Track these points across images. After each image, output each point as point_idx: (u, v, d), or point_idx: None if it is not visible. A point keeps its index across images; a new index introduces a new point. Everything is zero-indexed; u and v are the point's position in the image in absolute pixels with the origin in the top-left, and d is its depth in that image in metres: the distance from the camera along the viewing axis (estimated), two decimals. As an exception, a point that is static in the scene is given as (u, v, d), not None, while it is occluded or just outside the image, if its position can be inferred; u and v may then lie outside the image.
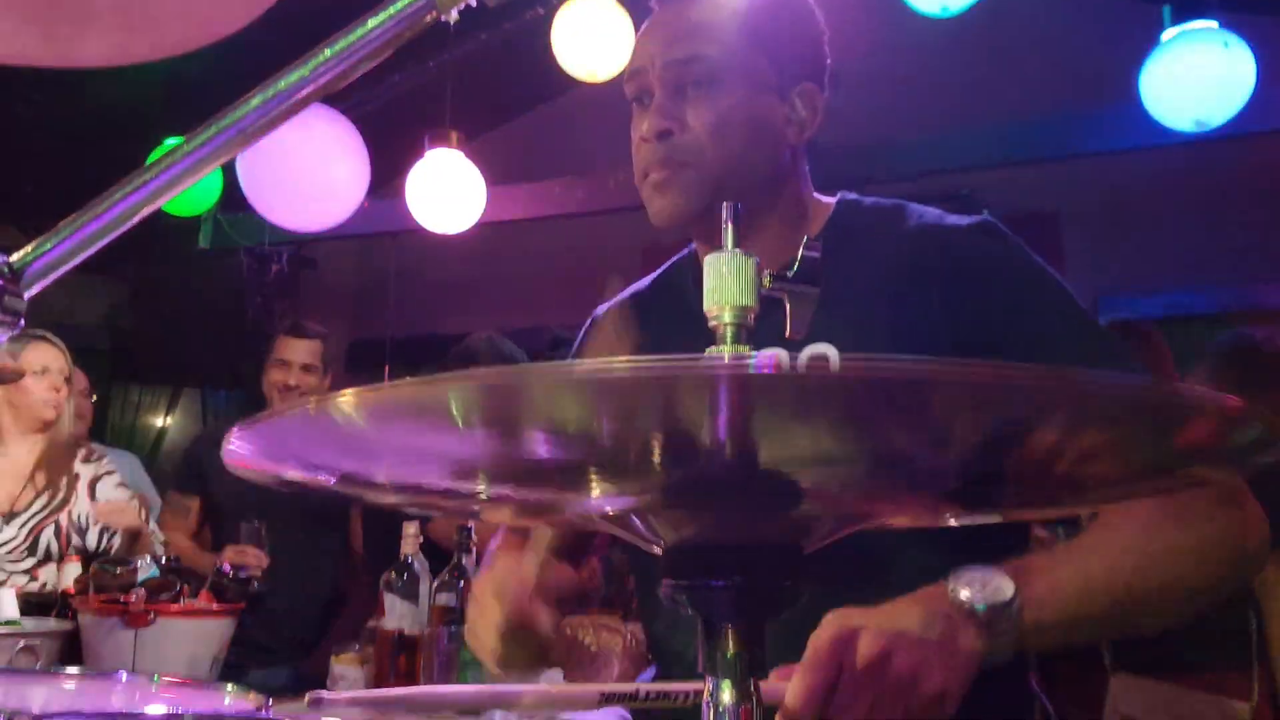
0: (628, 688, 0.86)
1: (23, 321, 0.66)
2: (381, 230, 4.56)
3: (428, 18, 0.66)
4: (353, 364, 5.13)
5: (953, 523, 0.67)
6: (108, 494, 2.76)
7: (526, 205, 4.41)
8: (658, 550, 0.58)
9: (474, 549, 1.95)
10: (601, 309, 1.36)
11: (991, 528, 0.71)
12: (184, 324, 5.21)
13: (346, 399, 0.40)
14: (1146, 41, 3.05)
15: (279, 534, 2.74)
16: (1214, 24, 2.94)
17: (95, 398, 3.72)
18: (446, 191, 3.43)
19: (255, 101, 0.66)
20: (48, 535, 2.64)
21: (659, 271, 1.34)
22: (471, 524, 1.97)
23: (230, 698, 1.02)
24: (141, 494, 3.05)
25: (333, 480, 0.52)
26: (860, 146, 3.80)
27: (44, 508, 2.67)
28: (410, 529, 2.07)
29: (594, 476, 0.49)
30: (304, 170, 3.45)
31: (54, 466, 2.73)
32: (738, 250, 0.56)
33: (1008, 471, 0.50)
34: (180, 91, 2.98)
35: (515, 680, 1.08)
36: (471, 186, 3.43)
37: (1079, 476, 0.52)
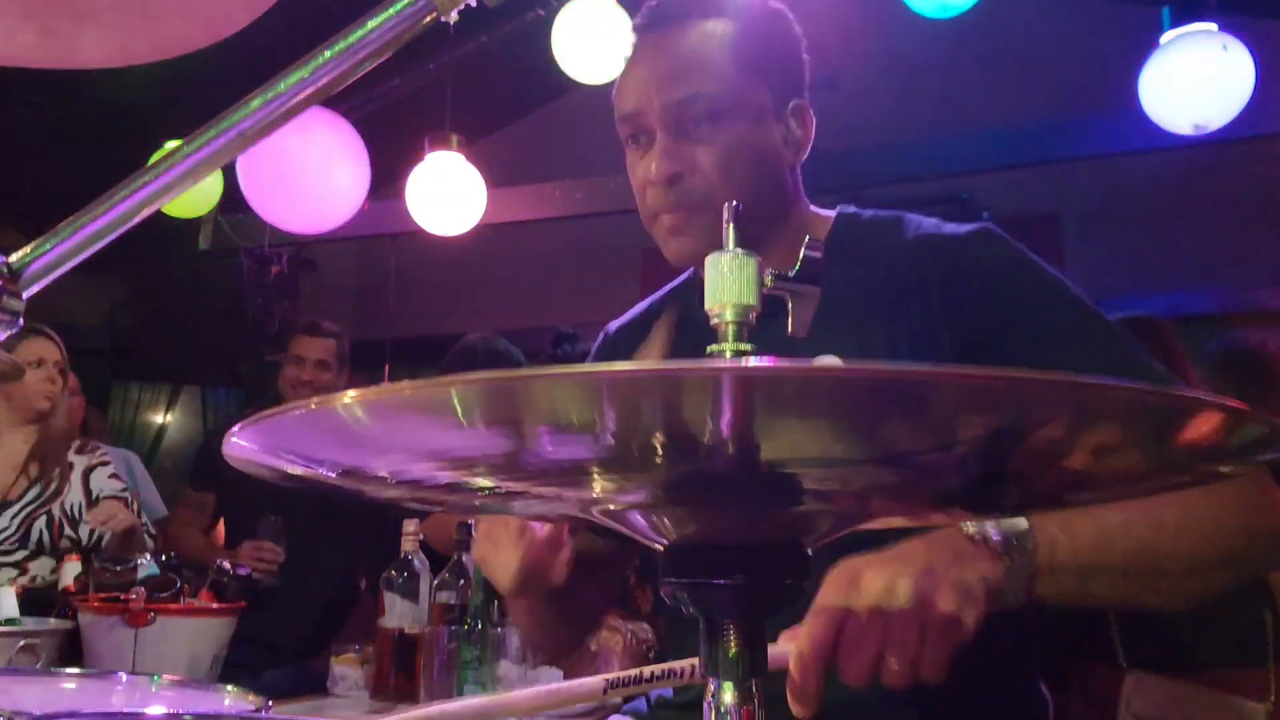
0: (631, 673, 0.86)
1: (21, 321, 0.67)
2: (381, 232, 4.56)
3: (428, 19, 0.66)
4: (353, 364, 5.13)
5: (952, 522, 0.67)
6: (101, 484, 2.76)
7: (526, 207, 4.42)
8: (659, 548, 0.58)
9: (474, 548, 1.95)
10: (613, 325, 1.37)
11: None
12: (184, 324, 5.21)
13: (348, 400, 0.40)
14: (1145, 44, 3.05)
15: (294, 530, 2.76)
16: (1213, 27, 2.94)
17: (84, 399, 3.71)
18: (446, 193, 3.43)
19: (255, 103, 0.66)
20: (40, 526, 2.64)
21: (664, 291, 1.35)
22: (473, 521, 1.97)
23: (230, 698, 1.02)
24: (134, 491, 3.05)
25: (333, 475, 0.52)
26: (861, 149, 3.80)
27: (36, 498, 2.67)
28: (410, 527, 2.08)
29: (596, 476, 0.49)
30: (304, 173, 3.46)
31: (48, 457, 2.74)
32: (739, 249, 0.56)
33: (1009, 473, 0.50)
34: (180, 93, 2.98)
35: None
36: (471, 188, 3.43)
37: (1080, 478, 0.52)
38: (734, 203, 0.59)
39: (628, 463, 0.46)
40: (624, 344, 1.30)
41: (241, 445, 0.47)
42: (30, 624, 1.98)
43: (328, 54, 0.66)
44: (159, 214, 0.72)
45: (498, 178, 3.74)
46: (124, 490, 2.80)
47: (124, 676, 1.12)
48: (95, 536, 2.68)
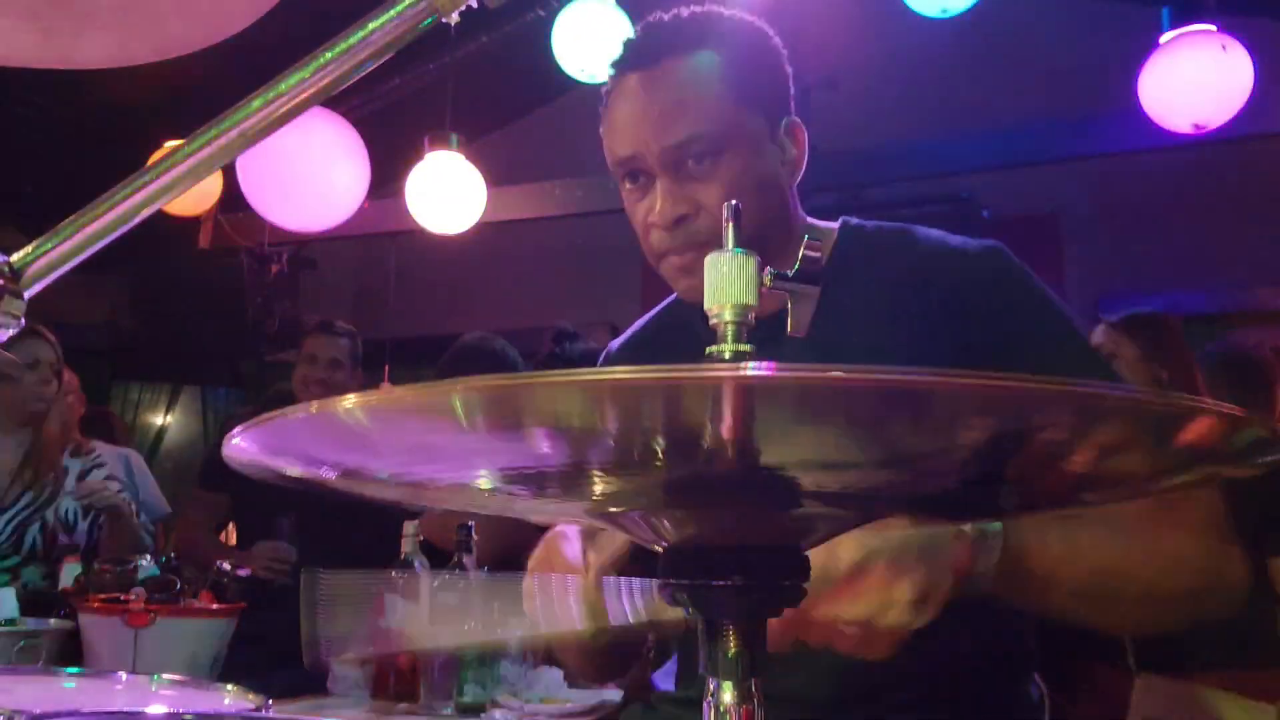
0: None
1: (23, 321, 0.67)
2: (381, 231, 4.57)
3: (428, 20, 0.66)
4: (353, 364, 5.13)
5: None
6: (94, 489, 2.73)
7: (526, 206, 4.42)
8: (659, 549, 0.58)
9: (474, 548, 1.96)
10: (615, 344, 1.37)
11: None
12: (184, 324, 5.21)
13: (348, 403, 0.40)
14: (1145, 44, 3.06)
15: (306, 530, 2.76)
16: (1212, 27, 2.94)
17: (85, 398, 3.70)
18: (446, 192, 3.43)
19: (256, 103, 0.66)
20: (33, 532, 2.62)
21: (659, 309, 1.34)
22: (472, 523, 1.97)
23: (230, 698, 1.03)
24: (132, 497, 3.04)
25: (334, 475, 0.52)
26: (861, 149, 3.81)
27: (30, 504, 2.65)
28: (410, 528, 2.07)
29: (596, 479, 0.49)
30: (304, 172, 3.46)
31: (42, 462, 2.71)
32: (738, 249, 0.56)
33: (1008, 477, 0.50)
34: (181, 92, 2.98)
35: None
36: (471, 187, 3.44)
37: (1080, 482, 0.52)
38: (733, 202, 0.59)
39: (628, 467, 0.46)
40: (626, 364, 1.29)
41: (242, 448, 0.47)
42: (30, 624, 1.99)
43: (328, 55, 0.66)
44: (159, 214, 0.72)
45: (498, 177, 3.74)
46: (120, 493, 2.78)
47: (124, 676, 1.12)
48: (94, 539, 2.67)
